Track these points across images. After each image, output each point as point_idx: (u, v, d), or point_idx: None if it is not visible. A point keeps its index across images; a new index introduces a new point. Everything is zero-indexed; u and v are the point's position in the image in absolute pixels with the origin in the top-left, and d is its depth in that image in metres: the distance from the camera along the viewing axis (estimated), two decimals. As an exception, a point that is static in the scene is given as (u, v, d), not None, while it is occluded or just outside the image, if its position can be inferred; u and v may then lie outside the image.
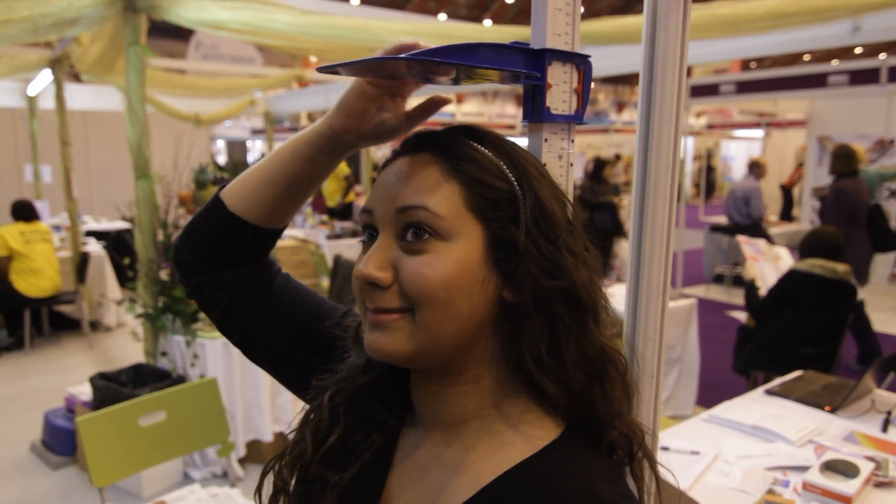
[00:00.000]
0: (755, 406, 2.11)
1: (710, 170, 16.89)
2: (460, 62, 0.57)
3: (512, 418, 0.60)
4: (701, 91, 7.64)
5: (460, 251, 0.55)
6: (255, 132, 18.14)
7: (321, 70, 0.61)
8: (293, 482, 0.66)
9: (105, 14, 2.97)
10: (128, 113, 3.11)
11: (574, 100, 0.76)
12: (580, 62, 0.76)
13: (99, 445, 2.02)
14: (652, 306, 0.88)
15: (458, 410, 0.61)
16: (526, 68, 0.70)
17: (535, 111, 0.74)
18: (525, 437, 0.58)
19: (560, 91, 0.74)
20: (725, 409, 2.09)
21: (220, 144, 20.44)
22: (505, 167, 0.58)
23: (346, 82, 0.70)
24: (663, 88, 0.82)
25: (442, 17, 17.57)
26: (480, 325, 0.57)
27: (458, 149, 0.58)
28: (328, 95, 7.85)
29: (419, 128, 0.65)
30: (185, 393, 2.25)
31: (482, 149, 0.59)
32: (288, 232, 7.63)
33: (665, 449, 1.81)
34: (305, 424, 0.68)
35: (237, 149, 20.76)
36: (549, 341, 0.56)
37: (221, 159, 18.96)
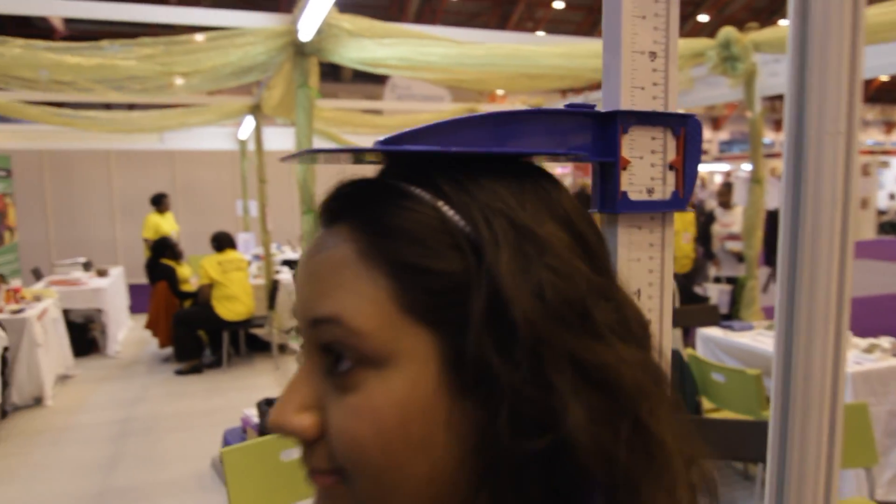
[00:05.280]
0: None
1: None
2: (469, 149, 0.40)
3: None
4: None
5: (401, 385, 0.36)
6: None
7: (283, 160, 0.45)
8: None
9: (277, 60, 3.17)
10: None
11: (671, 179, 0.52)
12: (679, 124, 0.52)
13: (241, 478, 2.04)
14: (817, 357, 0.60)
15: None
16: (583, 142, 0.49)
17: (604, 198, 0.52)
18: None
19: (644, 168, 0.51)
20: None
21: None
22: (463, 225, 0.37)
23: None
24: (824, 86, 0.54)
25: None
26: (460, 479, 0.37)
27: (383, 212, 0.38)
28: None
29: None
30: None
31: (426, 199, 0.38)
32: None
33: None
34: None
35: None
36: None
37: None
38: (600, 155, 0.50)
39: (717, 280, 5.87)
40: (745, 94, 3.89)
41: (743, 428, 2.28)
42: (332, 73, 16.88)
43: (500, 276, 0.35)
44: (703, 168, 18.58)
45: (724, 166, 19.07)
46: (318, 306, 0.38)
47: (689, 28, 17.23)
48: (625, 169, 0.50)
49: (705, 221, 6.00)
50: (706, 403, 3.27)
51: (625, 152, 0.50)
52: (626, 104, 0.50)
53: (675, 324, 4.37)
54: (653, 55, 0.51)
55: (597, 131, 0.50)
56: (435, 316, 0.36)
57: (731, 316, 4.72)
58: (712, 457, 0.40)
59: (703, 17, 16.84)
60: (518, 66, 3.04)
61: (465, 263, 0.36)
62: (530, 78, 3.51)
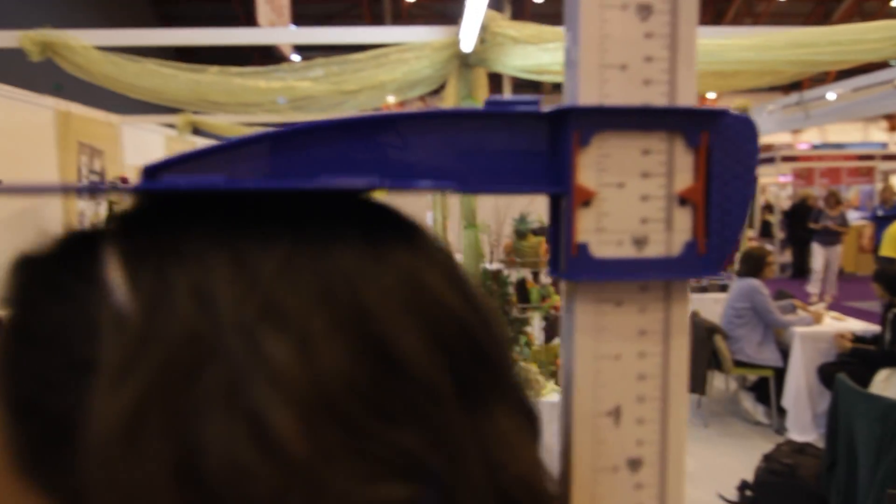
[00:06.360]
0: None
1: None
2: (172, 185, 0.25)
3: None
4: None
5: None
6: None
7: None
8: None
9: (443, 73, 3.14)
10: (459, 165, 3.21)
11: (683, 221, 0.30)
12: (697, 126, 0.30)
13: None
14: None
15: None
16: (525, 164, 0.31)
17: (556, 258, 0.32)
18: None
19: (627, 203, 0.30)
20: None
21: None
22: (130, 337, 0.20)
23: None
24: None
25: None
26: None
27: (27, 293, 0.23)
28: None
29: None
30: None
31: (85, 274, 0.22)
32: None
33: None
34: None
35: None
36: None
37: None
38: (546, 183, 0.30)
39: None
40: None
41: None
42: (532, 85, 16.90)
43: (92, 430, 0.18)
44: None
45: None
46: None
47: (885, 13, 14.28)
48: (587, 205, 0.29)
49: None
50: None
51: (583, 177, 0.29)
52: (588, 95, 0.29)
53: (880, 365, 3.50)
54: (645, 10, 0.30)
55: (549, 144, 0.30)
56: (49, 482, 0.21)
57: None
58: None
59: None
60: (702, 63, 2.66)
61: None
62: (720, 76, 3.05)
